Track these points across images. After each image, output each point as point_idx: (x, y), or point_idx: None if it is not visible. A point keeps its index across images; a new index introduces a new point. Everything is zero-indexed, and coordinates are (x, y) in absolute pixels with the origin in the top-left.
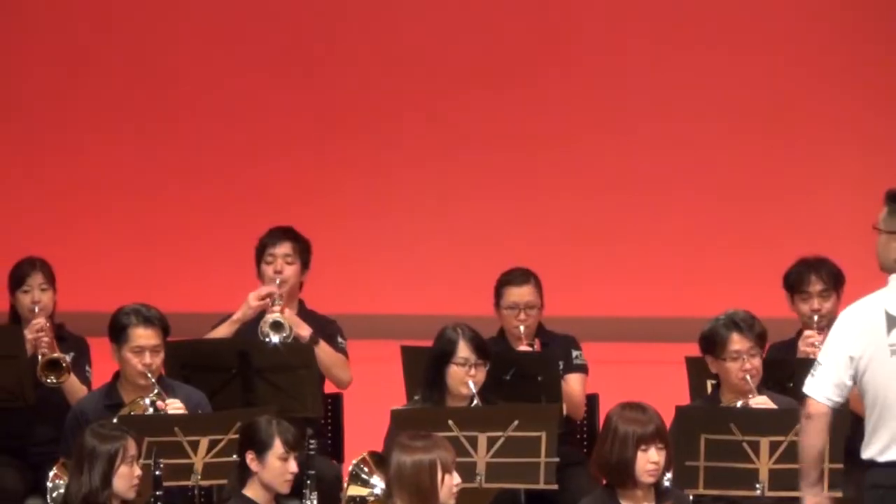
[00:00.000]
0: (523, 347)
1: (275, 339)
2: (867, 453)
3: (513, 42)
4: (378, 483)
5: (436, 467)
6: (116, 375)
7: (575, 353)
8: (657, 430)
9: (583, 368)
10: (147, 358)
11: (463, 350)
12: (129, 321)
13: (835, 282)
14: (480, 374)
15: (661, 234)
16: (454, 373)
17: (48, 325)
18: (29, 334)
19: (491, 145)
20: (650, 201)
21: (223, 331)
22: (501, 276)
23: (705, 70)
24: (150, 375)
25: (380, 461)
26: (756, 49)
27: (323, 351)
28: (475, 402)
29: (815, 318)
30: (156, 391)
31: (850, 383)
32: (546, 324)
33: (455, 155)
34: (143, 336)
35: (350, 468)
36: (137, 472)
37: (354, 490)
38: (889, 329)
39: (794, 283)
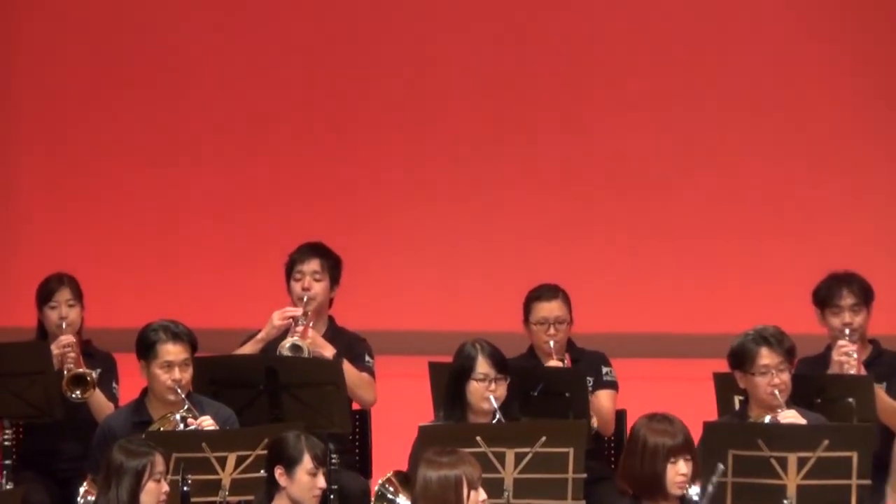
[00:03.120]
0: (553, 362)
1: None
2: None
3: (548, 58)
4: (404, 502)
5: (461, 483)
6: (144, 392)
7: (605, 370)
8: (685, 441)
9: (613, 385)
10: (176, 373)
11: (482, 366)
12: (158, 337)
13: (865, 296)
14: (501, 388)
15: (688, 250)
16: (474, 389)
17: (75, 340)
18: (55, 349)
19: (522, 164)
20: (677, 219)
21: (248, 350)
22: (530, 292)
23: (737, 91)
24: (179, 391)
25: (405, 480)
26: (788, 69)
27: (346, 372)
28: (497, 417)
29: (847, 332)
30: (186, 407)
31: None
32: (574, 340)
33: (485, 173)
34: (172, 352)
35: (376, 488)
36: (165, 488)
37: None
38: None
39: (825, 297)
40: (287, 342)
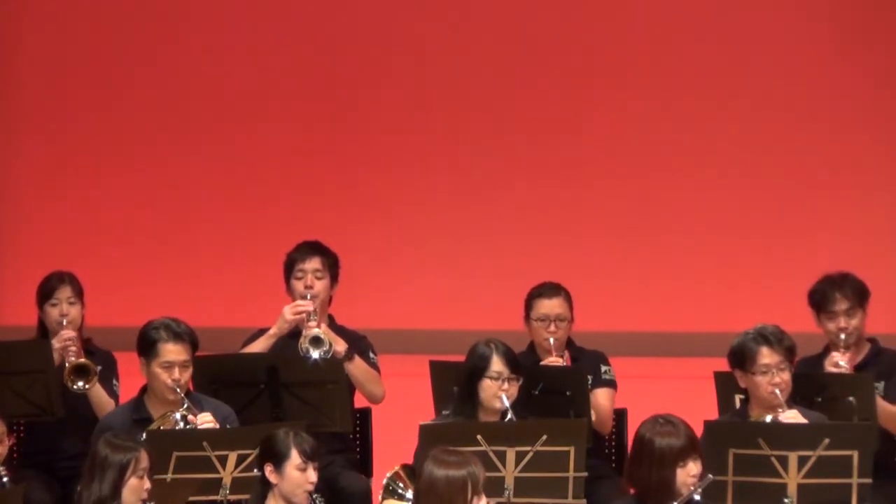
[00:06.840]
0: (552, 359)
1: (314, 354)
2: None
3: (549, 57)
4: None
5: (467, 485)
6: (143, 390)
7: (604, 369)
8: (691, 442)
9: (611, 384)
10: (176, 373)
11: (496, 364)
12: (159, 336)
13: (860, 298)
14: (513, 388)
15: (689, 249)
16: (487, 387)
17: (76, 335)
18: (57, 343)
19: (523, 162)
20: (678, 218)
21: (259, 346)
22: (532, 289)
23: (738, 89)
24: (178, 390)
25: (413, 474)
26: (790, 67)
27: (357, 366)
28: (509, 416)
29: (842, 336)
30: (185, 405)
31: None
32: (574, 339)
33: (486, 171)
34: (173, 352)
35: (384, 481)
36: (147, 485)
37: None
38: None
39: (819, 302)
40: (308, 333)
